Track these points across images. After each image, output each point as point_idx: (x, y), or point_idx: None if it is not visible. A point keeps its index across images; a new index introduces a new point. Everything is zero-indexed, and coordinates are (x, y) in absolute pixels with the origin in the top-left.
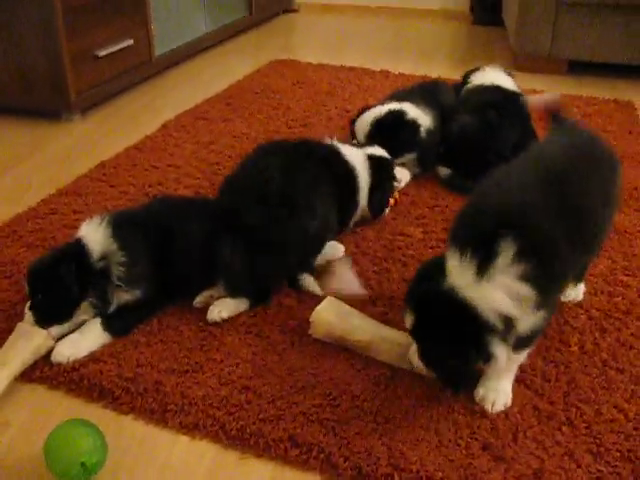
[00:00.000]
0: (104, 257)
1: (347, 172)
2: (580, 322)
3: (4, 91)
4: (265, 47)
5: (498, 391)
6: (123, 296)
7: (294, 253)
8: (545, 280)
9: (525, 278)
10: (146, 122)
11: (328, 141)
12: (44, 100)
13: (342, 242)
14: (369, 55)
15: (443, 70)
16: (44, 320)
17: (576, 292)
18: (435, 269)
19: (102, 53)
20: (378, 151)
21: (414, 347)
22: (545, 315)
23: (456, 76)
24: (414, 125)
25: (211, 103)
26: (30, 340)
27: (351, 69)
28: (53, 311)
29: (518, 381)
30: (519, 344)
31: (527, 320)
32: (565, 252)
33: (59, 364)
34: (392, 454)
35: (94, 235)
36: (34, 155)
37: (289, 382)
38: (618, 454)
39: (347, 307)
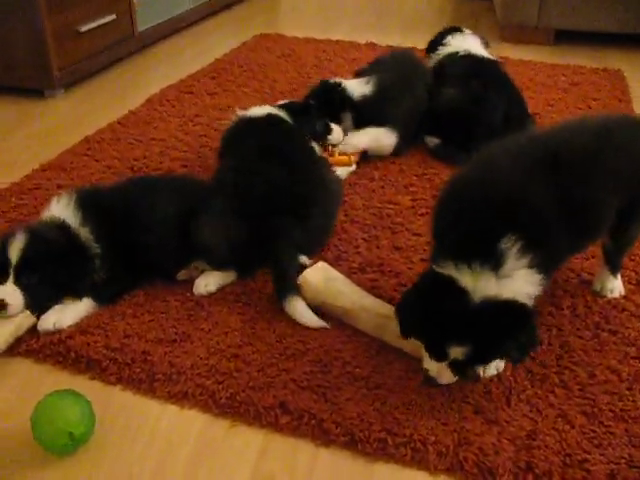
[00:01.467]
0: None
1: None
2: (572, 285)
3: None
4: (250, 22)
5: None
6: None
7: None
8: (548, 263)
9: (532, 265)
10: (130, 97)
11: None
12: (27, 77)
13: None
14: (356, 29)
15: None
16: (40, 304)
17: (612, 285)
18: (438, 294)
19: (84, 28)
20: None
21: (441, 366)
22: None
23: None
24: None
25: (196, 78)
26: (10, 319)
27: (337, 42)
28: (52, 294)
29: None
30: None
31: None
32: (562, 235)
33: (45, 333)
34: (384, 419)
35: (73, 220)
36: (17, 132)
37: (279, 349)
38: (611, 414)
39: (335, 273)
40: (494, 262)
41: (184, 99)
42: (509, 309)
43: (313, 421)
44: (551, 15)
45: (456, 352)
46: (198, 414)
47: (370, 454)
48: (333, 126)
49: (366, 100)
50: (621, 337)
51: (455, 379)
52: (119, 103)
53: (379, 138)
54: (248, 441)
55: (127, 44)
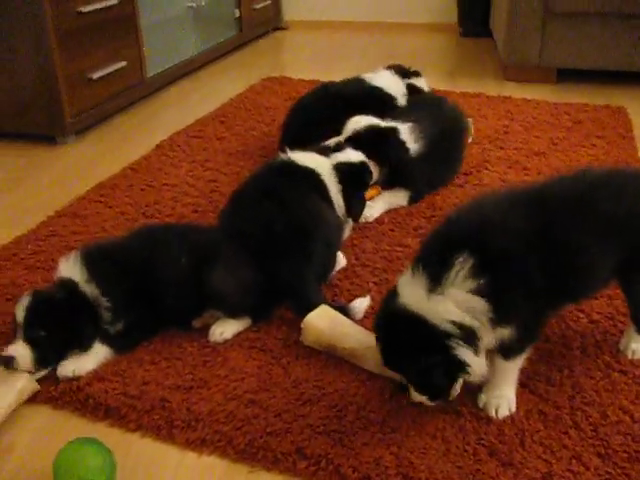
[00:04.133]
0: (95, 301)
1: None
2: (581, 326)
3: None
4: (256, 65)
5: (500, 397)
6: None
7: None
8: (503, 295)
9: (478, 292)
10: (140, 142)
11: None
12: (38, 124)
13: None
14: (360, 70)
15: (434, 82)
16: (48, 358)
17: (636, 346)
18: (392, 294)
19: (96, 75)
20: (348, 156)
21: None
22: (518, 330)
23: (446, 87)
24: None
25: (204, 122)
26: (12, 386)
27: None
28: (59, 348)
29: (523, 386)
30: (506, 353)
31: (491, 332)
32: (530, 270)
33: (64, 380)
34: (400, 463)
35: (79, 277)
36: (30, 178)
37: (295, 395)
38: (626, 455)
39: (339, 315)
40: (434, 275)
41: (193, 144)
42: (403, 322)
43: (330, 466)
44: (553, 54)
45: None
46: (217, 460)
47: None
48: (372, 167)
49: (416, 157)
50: (632, 377)
51: (424, 398)
52: (130, 148)
53: (395, 203)
54: None
55: (137, 90)
